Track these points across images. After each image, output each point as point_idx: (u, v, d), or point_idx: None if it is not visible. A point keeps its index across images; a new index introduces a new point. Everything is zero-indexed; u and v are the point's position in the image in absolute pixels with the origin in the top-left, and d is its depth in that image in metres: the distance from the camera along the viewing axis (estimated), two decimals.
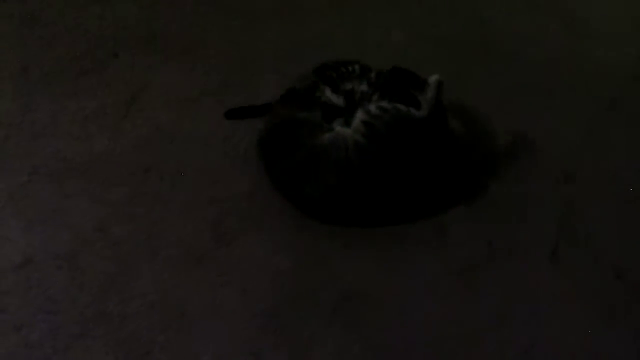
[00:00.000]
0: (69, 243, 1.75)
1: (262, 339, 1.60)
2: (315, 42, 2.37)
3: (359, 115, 1.85)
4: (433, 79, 1.91)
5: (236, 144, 2.03)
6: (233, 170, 1.96)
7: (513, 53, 2.38)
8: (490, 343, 1.61)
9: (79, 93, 2.16)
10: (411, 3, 2.60)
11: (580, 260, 1.78)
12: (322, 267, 1.75)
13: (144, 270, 1.72)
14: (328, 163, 1.80)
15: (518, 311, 1.67)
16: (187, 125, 2.09)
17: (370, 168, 1.79)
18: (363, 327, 1.63)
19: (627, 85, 2.29)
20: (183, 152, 2.01)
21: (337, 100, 1.95)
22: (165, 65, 2.26)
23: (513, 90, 2.25)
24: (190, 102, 2.15)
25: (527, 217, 1.88)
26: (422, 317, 1.66)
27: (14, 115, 2.07)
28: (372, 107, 1.85)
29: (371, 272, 1.74)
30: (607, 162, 2.04)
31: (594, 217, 1.88)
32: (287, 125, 1.93)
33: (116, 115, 2.10)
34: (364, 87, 1.96)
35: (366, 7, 2.58)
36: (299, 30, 2.42)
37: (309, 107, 1.93)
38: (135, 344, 1.57)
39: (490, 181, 1.96)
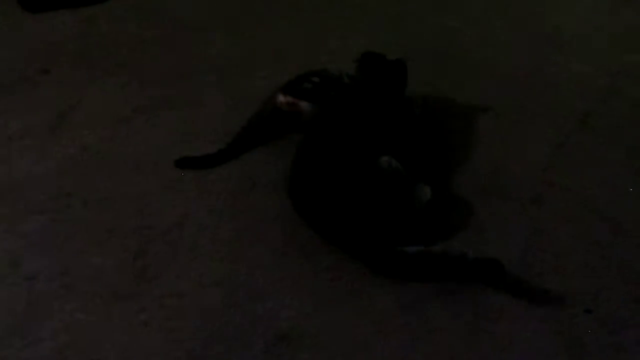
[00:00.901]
0: None
1: None
2: (267, 54, 2.20)
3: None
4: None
5: (168, 169, 1.85)
6: (163, 196, 1.78)
7: (481, 64, 2.21)
8: None
9: (4, 112, 2.00)
10: (373, 12, 2.43)
11: (545, 291, 1.58)
12: (255, 302, 1.55)
13: (56, 309, 1.53)
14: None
15: (479, 348, 1.47)
16: (117, 147, 1.91)
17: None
18: None
19: (602, 99, 2.10)
20: (110, 176, 1.84)
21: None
22: (98, 81, 2.10)
23: (481, 102, 2.07)
24: (122, 121, 1.98)
25: (490, 242, 1.68)
26: (367, 358, 1.45)
27: None
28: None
29: (309, 309, 1.54)
30: (577, 179, 1.85)
31: (562, 242, 1.69)
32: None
33: (42, 135, 1.93)
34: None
35: (322, 17, 2.41)
36: (249, 42, 2.26)
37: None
38: None
39: (449, 204, 1.77)
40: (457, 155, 1.93)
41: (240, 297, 1.56)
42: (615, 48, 2.30)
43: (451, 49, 2.27)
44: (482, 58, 2.23)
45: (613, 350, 1.47)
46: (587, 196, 1.80)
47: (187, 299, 1.56)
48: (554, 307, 1.56)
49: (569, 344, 1.49)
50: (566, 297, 1.57)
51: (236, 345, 1.47)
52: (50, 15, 2.32)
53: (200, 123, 1.99)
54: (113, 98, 2.05)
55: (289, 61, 2.18)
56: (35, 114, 1.98)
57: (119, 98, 2.05)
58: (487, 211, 1.75)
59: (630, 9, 2.43)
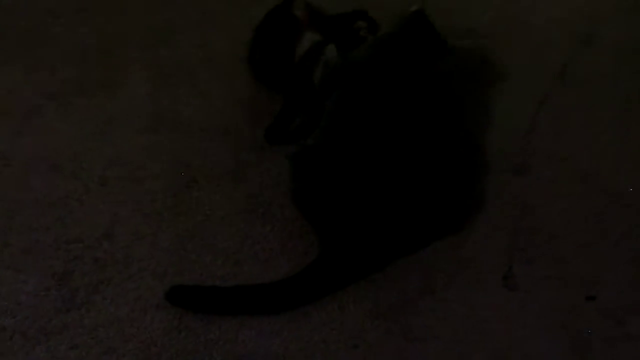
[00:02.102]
0: None
1: None
2: (194, 17, 1.90)
3: None
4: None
5: (90, 165, 1.56)
6: (87, 200, 1.50)
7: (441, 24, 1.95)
8: None
9: None
10: None
11: (541, 280, 1.38)
12: (208, 324, 1.30)
13: None
14: None
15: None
16: (27, 142, 1.60)
17: None
18: None
19: (580, 48, 1.87)
20: (21, 178, 1.54)
21: None
22: (4, 67, 1.76)
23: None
24: (30, 112, 1.66)
25: (471, 226, 1.46)
26: None
27: None
28: None
29: (271, 327, 1.30)
30: (563, 144, 1.64)
31: (555, 220, 1.48)
32: None
33: None
34: None
35: None
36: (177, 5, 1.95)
37: None
38: None
39: None
40: None
41: (191, 319, 1.31)
42: None
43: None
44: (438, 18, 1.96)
45: (621, 342, 1.29)
46: (577, 162, 1.59)
47: (126, 326, 1.30)
48: (552, 297, 1.36)
49: (573, 339, 1.29)
50: (565, 285, 1.37)
51: None
52: None
53: (124, 107, 1.69)
54: (20, 86, 1.73)
55: (219, 25, 1.89)
56: None
57: (26, 85, 1.73)
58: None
59: None
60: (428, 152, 1.38)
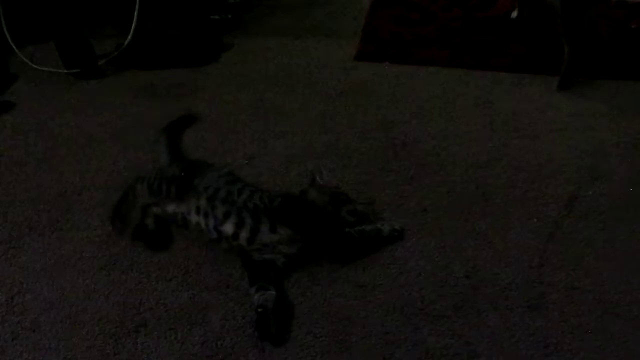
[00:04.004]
0: None
1: None
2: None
3: None
4: None
5: (24, 309, 1.33)
6: (10, 348, 1.23)
7: (432, 154, 1.81)
8: None
9: None
10: (295, 112, 2.04)
11: None
12: None
13: None
14: None
15: None
16: None
17: None
18: None
19: (585, 181, 1.71)
20: None
21: None
22: None
23: (436, 199, 1.65)
24: None
25: None
26: None
27: None
28: None
29: None
30: (580, 275, 1.40)
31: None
32: None
33: None
34: None
35: (241, 118, 2.01)
36: (142, 152, 1.80)
37: None
38: None
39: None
40: (425, 262, 1.46)
41: None
42: (583, 127, 1.95)
43: (395, 142, 1.87)
44: (429, 149, 1.84)
45: None
46: (598, 294, 1.34)
47: None
48: None
49: None
50: None
51: None
52: None
53: (77, 248, 1.48)
54: None
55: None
56: None
57: None
58: (473, 328, 1.26)
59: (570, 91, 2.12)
60: None
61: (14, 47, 2.20)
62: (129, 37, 2.21)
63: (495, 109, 2.05)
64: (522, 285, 1.38)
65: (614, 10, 2.80)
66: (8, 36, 2.20)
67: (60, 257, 1.47)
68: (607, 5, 2.83)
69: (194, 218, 1.46)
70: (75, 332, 1.27)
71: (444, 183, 1.71)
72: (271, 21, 2.67)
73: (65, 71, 2.18)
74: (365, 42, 2.48)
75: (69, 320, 1.30)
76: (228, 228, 1.41)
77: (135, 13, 2.20)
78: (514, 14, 2.59)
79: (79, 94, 2.12)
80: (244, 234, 1.40)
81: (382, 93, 2.15)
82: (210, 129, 1.93)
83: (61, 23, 2.17)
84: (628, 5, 2.85)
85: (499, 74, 2.24)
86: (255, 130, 1.94)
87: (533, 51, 2.41)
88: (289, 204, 1.45)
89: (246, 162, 1.76)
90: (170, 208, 1.49)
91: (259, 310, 1.28)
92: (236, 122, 1.98)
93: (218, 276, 1.41)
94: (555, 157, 1.81)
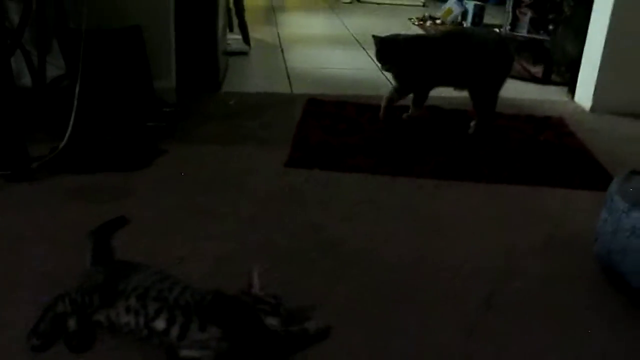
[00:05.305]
0: None
1: None
2: None
3: None
4: None
5: None
6: None
7: (359, 255, 1.89)
8: None
9: None
10: (226, 214, 2.09)
11: None
12: None
13: None
14: None
15: None
16: None
17: None
18: None
19: (500, 279, 1.81)
20: None
21: None
22: None
23: (363, 297, 1.71)
24: None
25: None
26: None
27: None
28: None
29: None
30: None
31: None
32: None
33: None
34: None
35: (168, 219, 2.04)
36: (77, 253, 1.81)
37: None
38: None
39: None
40: (352, 359, 1.50)
41: None
42: (498, 229, 2.08)
43: (323, 243, 1.95)
44: (357, 250, 1.92)
45: None
46: None
47: None
48: None
49: None
50: None
51: None
52: None
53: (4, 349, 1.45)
54: None
55: None
56: None
57: None
58: None
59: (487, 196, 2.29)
60: None
61: None
62: (65, 140, 2.25)
63: (418, 213, 2.17)
64: None
65: (524, 124, 3.05)
66: None
67: None
68: (518, 119, 3.09)
69: (123, 319, 1.46)
70: None
71: (371, 282, 1.78)
72: (205, 129, 2.78)
73: None
74: (295, 149, 2.60)
75: None
76: (159, 324, 1.42)
77: (72, 118, 2.25)
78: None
79: (10, 195, 2.12)
80: (174, 331, 1.41)
81: (311, 197, 2.24)
82: (142, 231, 1.95)
83: None
84: (536, 119, 3.11)
85: (421, 180, 2.39)
86: (186, 232, 1.97)
87: (452, 159, 2.58)
88: (218, 302, 1.47)
89: (178, 261, 1.78)
90: (96, 316, 1.49)
91: None
92: (168, 225, 2.01)
93: None
94: (474, 256, 1.92)
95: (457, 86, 2.87)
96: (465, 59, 2.76)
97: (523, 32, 4.60)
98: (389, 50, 2.82)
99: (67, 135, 2.26)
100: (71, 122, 2.26)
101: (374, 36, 2.86)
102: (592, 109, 3.30)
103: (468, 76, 2.79)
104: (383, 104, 2.95)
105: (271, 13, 5.75)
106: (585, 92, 3.37)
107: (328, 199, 2.24)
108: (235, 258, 1.85)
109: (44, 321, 1.49)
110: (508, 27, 4.11)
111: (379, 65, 2.89)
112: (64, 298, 1.51)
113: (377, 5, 6.48)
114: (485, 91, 2.82)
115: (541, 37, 3.96)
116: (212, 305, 1.46)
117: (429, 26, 5.49)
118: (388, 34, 2.88)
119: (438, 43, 2.92)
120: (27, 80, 2.66)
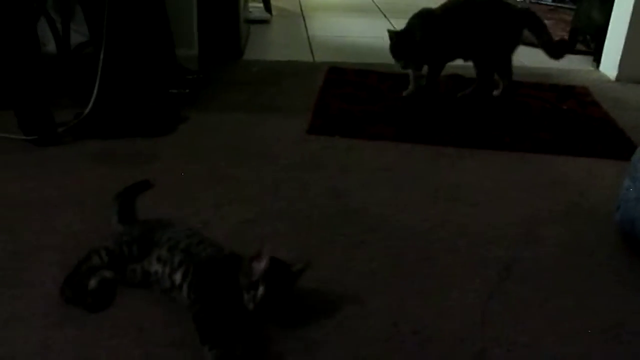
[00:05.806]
0: None
1: None
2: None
3: None
4: None
5: None
6: None
7: (380, 221, 1.90)
8: None
9: None
10: (249, 181, 2.12)
11: None
12: None
13: None
14: None
15: None
16: None
17: None
18: None
19: (520, 247, 1.82)
20: None
21: None
22: None
23: (384, 261, 1.73)
24: None
25: None
26: None
27: None
28: None
29: None
30: (521, 332, 1.48)
31: None
32: None
33: None
34: None
35: (194, 186, 2.07)
36: (102, 217, 1.84)
37: None
38: None
39: None
40: (374, 321, 1.52)
41: None
42: (519, 197, 2.08)
43: (344, 210, 1.96)
44: (377, 216, 1.93)
45: None
46: (535, 348, 1.42)
47: None
48: None
49: None
50: None
51: None
52: None
53: (30, 306, 1.49)
54: None
55: None
56: None
57: None
58: None
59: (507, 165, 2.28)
60: None
61: None
62: (89, 106, 2.28)
63: (439, 180, 2.18)
64: (466, 341, 1.45)
65: (546, 92, 3.03)
66: None
67: (12, 314, 1.47)
68: (541, 88, 3.06)
69: (153, 267, 1.50)
70: None
71: (391, 247, 1.80)
72: (226, 97, 2.79)
73: (24, 137, 2.23)
74: (316, 117, 2.61)
75: None
76: (177, 277, 1.46)
77: (96, 84, 2.28)
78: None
79: (37, 160, 2.16)
80: (185, 286, 1.45)
81: (332, 164, 2.25)
82: (166, 195, 1.98)
83: (21, 91, 2.24)
84: (559, 88, 3.08)
85: (442, 148, 2.39)
86: (209, 197, 2.00)
87: (473, 128, 2.57)
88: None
89: (201, 225, 1.81)
90: (130, 267, 1.53)
91: None
92: (191, 190, 2.04)
93: (172, 334, 1.43)
94: (494, 223, 1.92)
95: (468, 57, 2.81)
96: (474, 28, 2.70)
97: (548, 0, 4.53)
98: (404, 45, 2.69)
99: (91, 101, 2.28)
100: (95, 89, 2.28)
101: (388, 30, 2.72)
102: (618, 78, 3.26)
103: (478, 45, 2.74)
104: (412, 83, 2.87)
105: None
106: (610, 61, 3.33)
107: (349, 166, 2.25)
108: (258, 222, 1.87)
109: (77, 274, 1.53)
110: None
111: (394, 62, 2.75)
112: (99, 251, 1.55)
113: None
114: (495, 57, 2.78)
115: (567, 6, 3.90)
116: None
117: None
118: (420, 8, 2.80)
119: (447, 16, 2.80)
120: (51, 47, 2.69)
